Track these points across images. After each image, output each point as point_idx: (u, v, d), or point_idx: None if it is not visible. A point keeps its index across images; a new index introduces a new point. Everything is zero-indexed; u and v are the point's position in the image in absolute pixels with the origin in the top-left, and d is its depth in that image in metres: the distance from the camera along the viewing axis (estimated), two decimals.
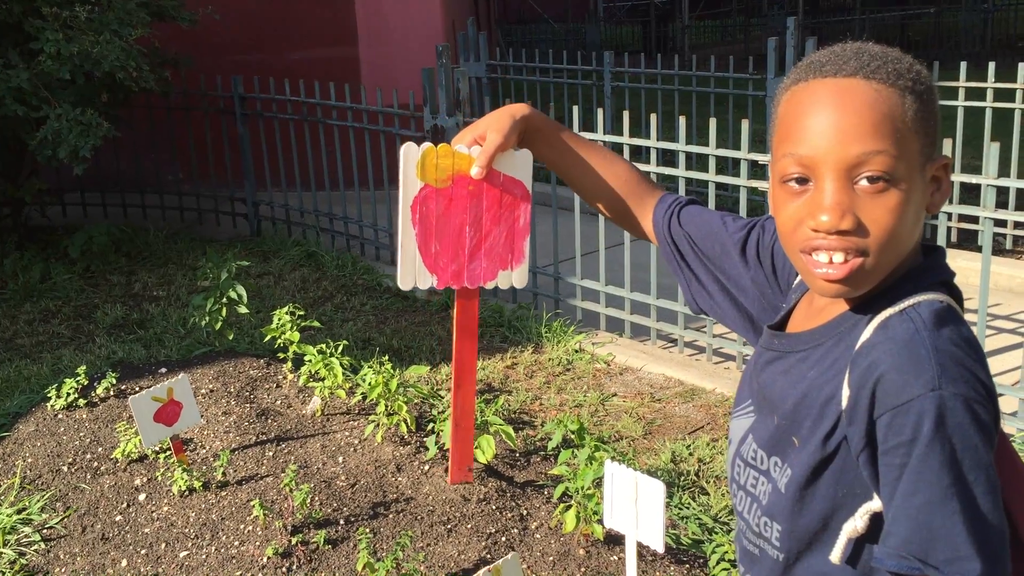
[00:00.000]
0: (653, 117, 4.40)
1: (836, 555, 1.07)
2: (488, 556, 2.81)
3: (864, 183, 1.01)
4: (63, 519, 3.15)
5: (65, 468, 3.40)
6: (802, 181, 1.05)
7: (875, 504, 1.03)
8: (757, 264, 1.30)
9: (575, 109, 4.63)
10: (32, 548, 3.03)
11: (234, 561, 2.84)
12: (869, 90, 1.02)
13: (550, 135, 1.43)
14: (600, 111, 4.57)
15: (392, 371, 3.55)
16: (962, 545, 0.95)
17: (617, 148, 4.47)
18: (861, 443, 1.01)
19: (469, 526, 2.95)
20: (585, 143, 1.46)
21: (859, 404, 1.01)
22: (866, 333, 1.04)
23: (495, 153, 1.39)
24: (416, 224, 1.46)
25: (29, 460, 3.46)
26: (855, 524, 1.05)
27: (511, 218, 1.51)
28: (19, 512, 3.17)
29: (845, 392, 1.03)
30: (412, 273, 1.48)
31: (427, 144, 1.43)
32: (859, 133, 1.01)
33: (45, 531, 3.10)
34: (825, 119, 1.03)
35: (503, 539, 2.90)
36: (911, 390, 0.97)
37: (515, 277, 1.57)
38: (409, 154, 1.42)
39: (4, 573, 2.90)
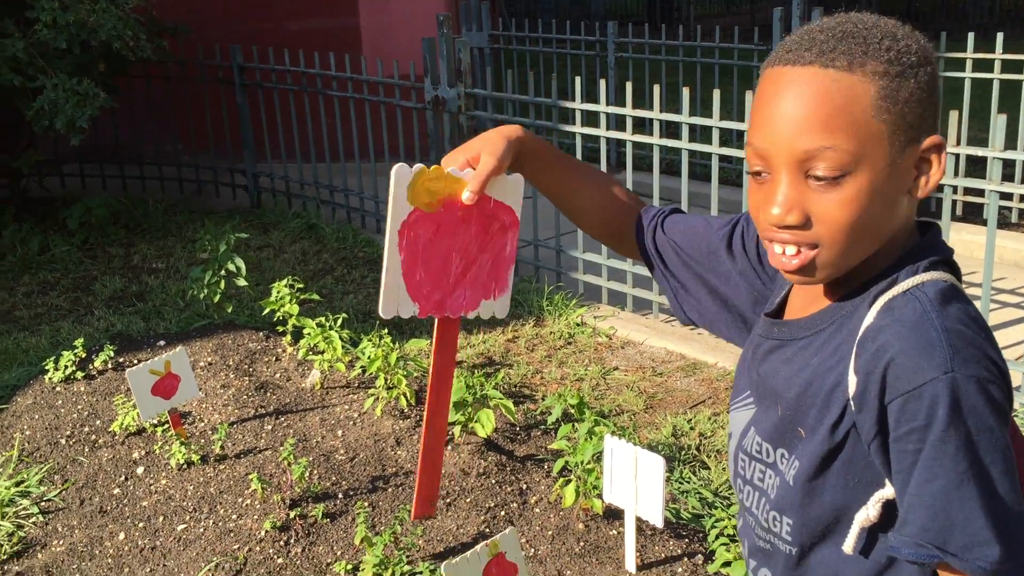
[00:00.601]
0: (657, 88, 4.34)
1: (849, 545, 1.04)
2: (487, 530, 2.80)
3: (815, 178, 1.00)
4: (61, 492, 3.13)
5: (63, 441, 3.39)
6: (760, 174, 1.04)
7: (888, 491, 1.01)
8: (743, 255, 1.27)
9: (578, 80, 4.57)
10: (30, 520, 3.02)
11: (232, 535, 2.83)
12: (825, 80, 0.99)
13: (542, 158, 1.38)
14: (603, 82, 4.51)
15: (392, 345, 3.52)
16: (980, 531, 0.93)
17: (620, 120, 4.43)
18: (873, 430, 0.98)
19: (468, 500, 2.94)
20: (575, 164, 1.43)
21: (868, 390, 0.97)
22: (869, 316, 1.01)
23: (489, 177, 1.32)
24: (403, 250, 1.36)
25: (27, 433, 3.45)
26: (867, 513, 1.02)
27: (498, 246, 1.43)
28: (17, 484, 3.16)
29: (852, 379, 0.99)
30: (395, 301, 1.38)
31: (419, 166, 1.34)
32: (808, 127, 0.99)
33: (43, 504, 3.09)
34: (776, 112, 1.01)
35: (502, 513, 2.88)
36: (924, 374, 0.94)
37: (497, 307, 1.50)
38: (400, 176, 1.32)
39: (2, 545, 2.90)
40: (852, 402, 1.00)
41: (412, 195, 1.33)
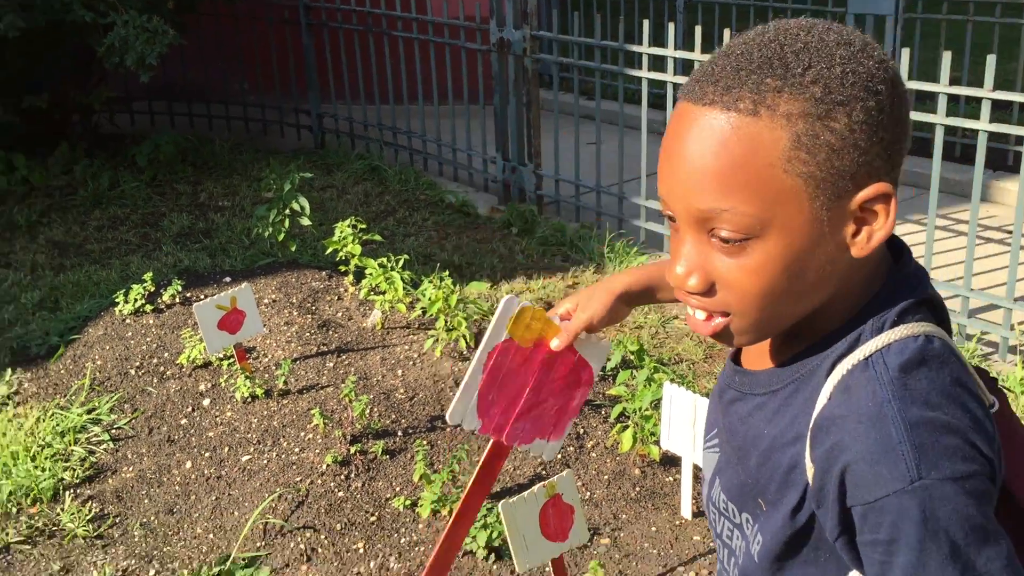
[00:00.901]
0: (727, 33, 4.24)
1: None
2: (543, 473, 2.82)
3: (719, 239, 0.85)
4: (130, 421, 3.23)
5: (132, 371, 3.49)
6: (672, 219, 0.91)
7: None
8: None
9: (646, 23, 4.48)
10: (101, 447, 3.12)
11: (294, 467, 2.89)
12: (724, 128, 0.82)
13: (656, 287, 1.41)
14: (672, 26, 4.41)
15: (452, 287, 3.54)
16: None
17: (688, 65, 4.33)
18: (836, 530, 0.86)
19: None
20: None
21: (826, 489, 0.85)
22: (825, 392, 0.87)
23: (578, 333, 1.43)
24: (486, 370, 1.54)
25: (98, 363, 3.55)
26: None
27: (568, 396, 1.57)
28: (89, 412, 3.27)
29: (808, 467, 0.87)
30: (463, 412, 1.56)
31: (527, 303, 1.52)
32: (702, 186, 0.84)
33: (113, 431, 3.19)
34: (672, 161, 0.87)
35: (559, 457, 2.90)
36: (884, 485, 0.80)
37: (547, 449, 1.62)
38: (508, 306, 1.51)
39: (75, 470, 3.00)
40: (810, 494, 0.88)
41: (512, 326, 1.51)
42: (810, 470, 0.86)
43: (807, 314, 0.90)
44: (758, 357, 0.99)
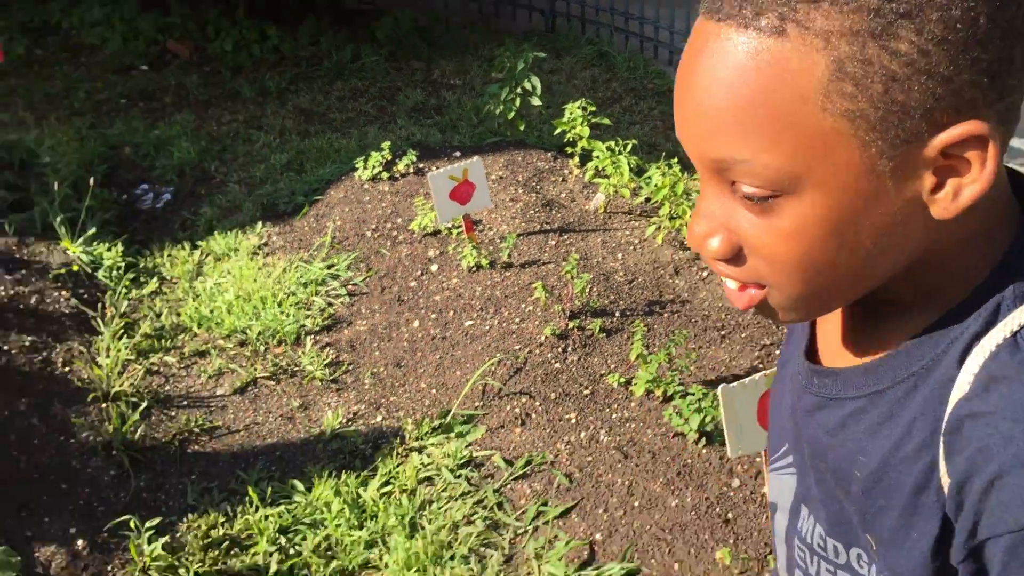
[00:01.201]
0: None
1: None
2: (760, 365, 2.80)
3: (742, 195, 0.66)
4: (365, 279, 3.44)
5: (368, 233, 3.69)
6: None
7: None
8: None
9: None
10: (338, 300, 3.35)
11: (514, 336, 3.00)
12: (739, 52, 0.62)
13: None
14: None
15: (680, 174, 3.50)
16: None
17: None
18: (962, 553, 0.66)
19: (743, 335, 2.94)
20: None
21: (964, 507, 0.65)
22: (961, 383, 0.66)
23: None
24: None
25: (338, 223, 3.78)
26: None
27: None
28: (328, 267, 3.51)
29: (944, 480, 0.66)
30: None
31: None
32: (713, 130, 0.64)
33: (349, 287, 3.42)
34: (680, 95, 0.67)
35: (777, 352, 2.86)
36: None
37: None
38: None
39: (315, 318, 3.25)
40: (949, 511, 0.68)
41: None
42: (946, 483, 0.66)
43: (891, 283, 0.69)
44: (841, 346, 0.78)
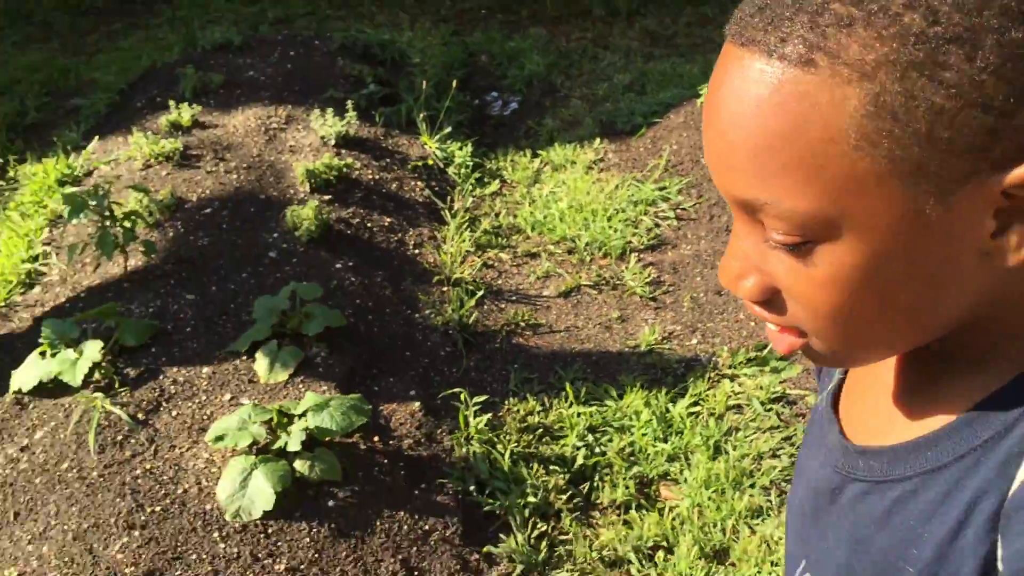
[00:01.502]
0: None
1: None
2: None
3: (772, 240, 0.58)
4: (695, 204, 3.47)
5: (704, 160, 3.70)
6: None
7: None
8: None
9: None
10: (666, 223, 3.41)
11: None
12: (762, 83, 0.54)
13: None
14: None
15: None
16: None
17: None
18: None
19: None
20: None
21: None
22: None
23: None
24: None
25: (674, 147, 3.82)
26: None
27: None
28: (660, 189, 3.57)
29: (1000, 566, 0.57)
30: None
31: None
32: (735, 167, 0.57)
33: (678, 211, 3.46)
34: (708, 122, 0.59)
35: None
36: None
37: None
38: None
39: (641, 236, 3.34)
40: None
41: None
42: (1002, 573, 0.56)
43: (950, 337, 0.61)
44: (889, 416, 0.67)
